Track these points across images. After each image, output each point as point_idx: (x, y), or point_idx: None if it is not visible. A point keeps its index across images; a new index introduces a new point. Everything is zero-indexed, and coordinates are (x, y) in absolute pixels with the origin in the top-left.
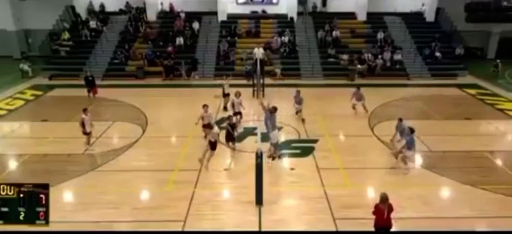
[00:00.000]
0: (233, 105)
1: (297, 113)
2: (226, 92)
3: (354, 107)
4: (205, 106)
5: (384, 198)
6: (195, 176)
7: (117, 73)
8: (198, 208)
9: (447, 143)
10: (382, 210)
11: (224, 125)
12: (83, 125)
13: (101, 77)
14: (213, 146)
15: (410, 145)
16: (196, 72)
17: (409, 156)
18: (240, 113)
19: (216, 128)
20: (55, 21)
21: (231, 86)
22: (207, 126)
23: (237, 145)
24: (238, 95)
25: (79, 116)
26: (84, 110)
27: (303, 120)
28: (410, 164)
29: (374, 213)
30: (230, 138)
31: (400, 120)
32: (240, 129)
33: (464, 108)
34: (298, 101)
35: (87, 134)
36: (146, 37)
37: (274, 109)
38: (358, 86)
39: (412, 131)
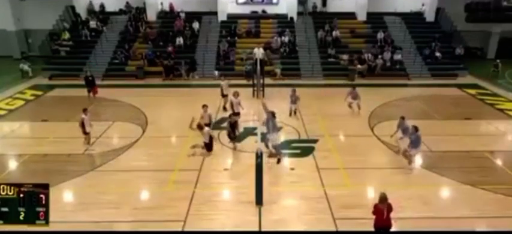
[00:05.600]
0: (232, 106)
1: (290, 114)
2: (224, 92)
3: (350, 106)
4: (204, 106)
5: (383, 198)
6: (195, 176)
7: (117, 73)
8: (198, 208)
9: (447, 143)
10: (382, 210)
11: (225, 124)
12: (82, 125)
13: (101, 77)
14: (208, 147)
15: (415, 144)
16: (196, 72)
17: (413, 155)
18: (238, 113)
19: (206, 128)
20: (55, 21)
21: (231, 86)
22: (199, 127)
23: (237, 145)
24: (236, 95)
25: (79, 116)
26: (84, 110)
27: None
28: (413, 164)
29: (374, 213)
30: (231, 136)
31: (402, 118)
32: (240, 129)
33: (464, 108)
34: (294, 100)
35: (87, 133)
36: (146, 37)
37: (273, 115)
38: (354, 86)
39: (416, 129)
